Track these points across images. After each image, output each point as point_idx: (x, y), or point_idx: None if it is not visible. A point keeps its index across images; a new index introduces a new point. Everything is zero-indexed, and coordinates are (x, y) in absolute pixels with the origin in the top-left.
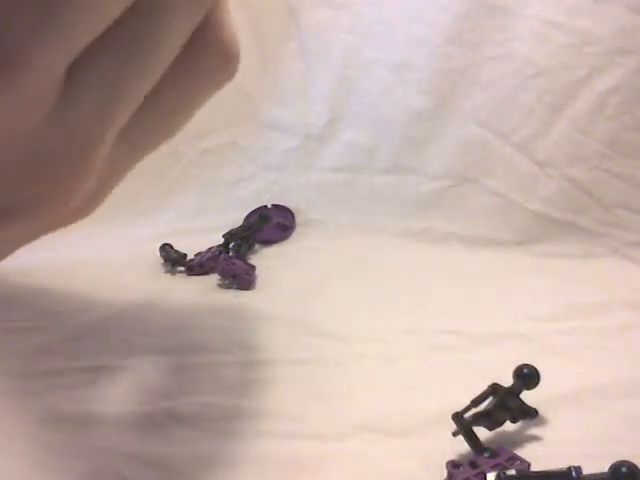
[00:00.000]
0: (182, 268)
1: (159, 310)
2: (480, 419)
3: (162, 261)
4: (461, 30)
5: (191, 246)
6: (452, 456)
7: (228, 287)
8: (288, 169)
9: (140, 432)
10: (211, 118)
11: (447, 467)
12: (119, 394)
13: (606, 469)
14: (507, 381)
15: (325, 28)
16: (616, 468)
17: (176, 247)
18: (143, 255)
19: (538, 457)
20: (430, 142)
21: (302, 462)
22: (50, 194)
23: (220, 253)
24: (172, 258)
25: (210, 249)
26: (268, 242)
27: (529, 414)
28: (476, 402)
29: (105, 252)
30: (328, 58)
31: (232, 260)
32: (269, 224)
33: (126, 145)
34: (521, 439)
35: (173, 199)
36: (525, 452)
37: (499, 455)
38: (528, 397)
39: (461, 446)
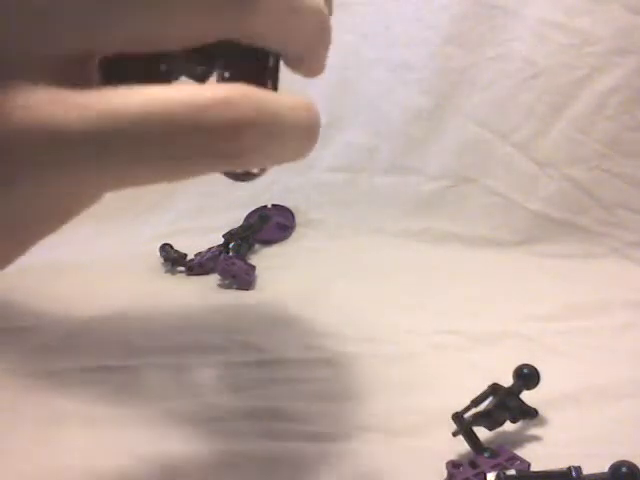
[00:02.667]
0: (182, 268)
1: (159, 310)
2: (480, 419)
3: (162, 261)
4: (461, 30)
5: (191, 246)
6: (452, 456)
7: (228, 287)
8: (288, 169)
9: (140, 432)
10: None
11: (447, 467)
12: (119, 394)
13: (606, 469)
14: (507, 381)
15: None
16: (616, 468)
17: (176, 247)
18: (143, 255)
19: (538, 457)
20: (430, 142)
21: (302, 462)
22: None
23: (220, 253)
24: (172, 258)
25: (210, 249)
26: (268, 242)
27: (529, 414)
28: (476, 402)
29: (105, 252)
30: (328, 58)
31: (232, 260)
32: (269, 224)
33: None
34: (521, 439)
35: (173, 199)
36: (525, 452)
37: (499, 455)
38: (528, 397)
39: (461, 446)
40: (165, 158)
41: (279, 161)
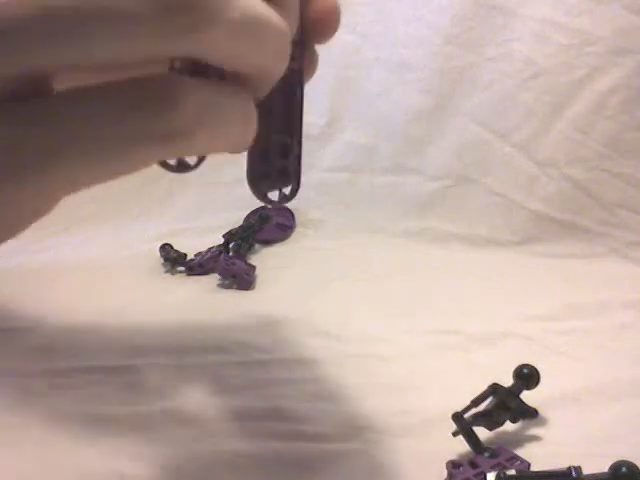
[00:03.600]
0: (182, 268)
1: (159, 310)
2: (480, 419)
3: (162, 261)
4: (461, 30)
5: (191, 246)
6: (452, 456)
7: (228, 287)
8: None
9: (140, 432)
10: None
11: (447, 467)
12: (119, 394)
13: (606, 469)
14: (507, 381)
15: None
16: (616, 468)
17: (176, 247)
18: (143, 255)
19: (538, 457)
20: (430, 142)
21: (302, 462)
22: None
23: (220, 253)
24: (172, 258)
25: (210, 249)
26: (268, 242)
27: (529, 414)
28: (476, 402)
29: (105, 252)
30: (328, 58)
31: (232, 260)
32: (269, 224)
33: None
34: (521, 439)
35: (173, 199)
36: (525, 452)
37: (499, 455)
38: (528, 397)
39: (461, 446)
40: (107, 145)
41: (221, 145)
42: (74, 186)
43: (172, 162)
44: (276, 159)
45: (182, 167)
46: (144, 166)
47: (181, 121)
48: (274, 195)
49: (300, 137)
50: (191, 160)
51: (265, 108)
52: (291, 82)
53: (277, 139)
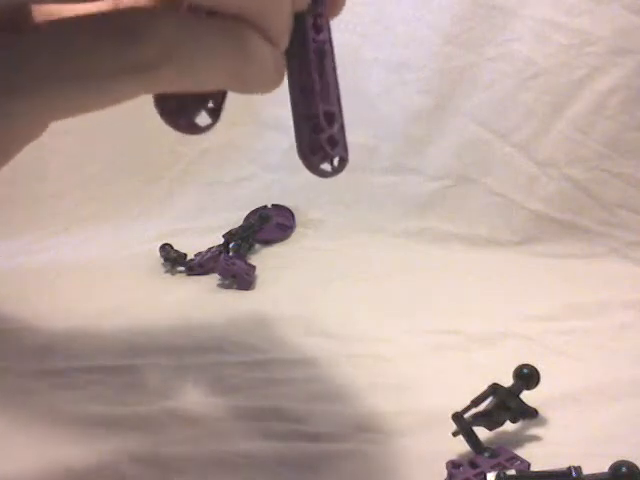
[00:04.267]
0: (182, 268)
1: (159, 310)
2: (480, 419)
3: (162, 261)
4: (461, 30)
5: (191, 246)
6: (452, 456)
7: (228, 287)
8: (288, 169)
9: (140, 432)
10: None
11: (447, 467)
12: (119, 394)
13: (606, 469)
14: (507, 381)
15: None
16: (616, 468)
17: (176, 247)
18: (143, 255)
19: (538, 457)
20: (430, 142)
21: (302, 462)
22: None
23: (220, 253)
24: (172, 258)
25: (210, 249)
26: (268, 242)
27: (529, 414)
28: (476, 402)
29: (105, 252)
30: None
31: (232, 260)
32: (269, 224)
33: None
34: (521, 439)
35: (173, 199)
36: (525, 452)
37: (499, 455)
38: (528, 397)
39: (461, 446)
40: (74, 79)
41: (208, 82)
42: (54, 117)
43: (182, 122)
44: (323, 128)
45: (193, 128)
46: (123, 98)
47: (147, 53)
48: (326, 167)
49: (340, 105)
50: (202, 122)
51: (306, 77)
52: (322, 50)
53: (321, 108)
